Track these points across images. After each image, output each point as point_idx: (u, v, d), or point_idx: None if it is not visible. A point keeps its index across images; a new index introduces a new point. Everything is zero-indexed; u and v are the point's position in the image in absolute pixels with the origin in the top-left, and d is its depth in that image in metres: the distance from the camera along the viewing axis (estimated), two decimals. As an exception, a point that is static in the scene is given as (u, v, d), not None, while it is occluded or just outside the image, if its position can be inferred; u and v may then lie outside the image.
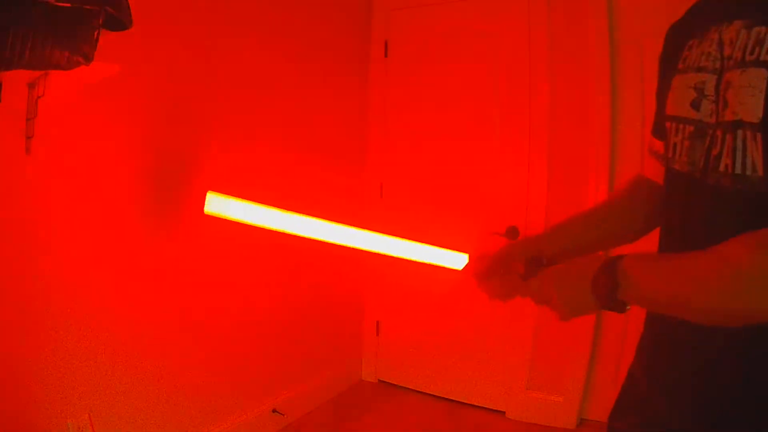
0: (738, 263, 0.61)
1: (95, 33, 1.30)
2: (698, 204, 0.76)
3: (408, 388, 2.97)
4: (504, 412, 2.69)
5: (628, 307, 0.72)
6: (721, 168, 0.69)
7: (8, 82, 1.38)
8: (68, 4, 1.19)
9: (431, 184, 2.82)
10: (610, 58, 2.37)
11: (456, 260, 0.99)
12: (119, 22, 1.33)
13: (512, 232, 2.57)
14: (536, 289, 0.85)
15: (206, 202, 0.94)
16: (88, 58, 1.31)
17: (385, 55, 2.92)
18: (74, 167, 1.66)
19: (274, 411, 2.45)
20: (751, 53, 0.65)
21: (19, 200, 1.54)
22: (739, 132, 0.66)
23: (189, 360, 2.07)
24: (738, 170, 0.67)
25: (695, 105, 0.75)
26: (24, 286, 1.57)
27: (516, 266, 0.90)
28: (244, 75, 2.21)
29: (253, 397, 2.39)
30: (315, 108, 2.61)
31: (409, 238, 1.01)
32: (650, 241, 0.92)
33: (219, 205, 0.94)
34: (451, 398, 2.83)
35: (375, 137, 2.98)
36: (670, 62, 0.85)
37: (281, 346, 2.52)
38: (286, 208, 0.96)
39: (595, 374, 2.52)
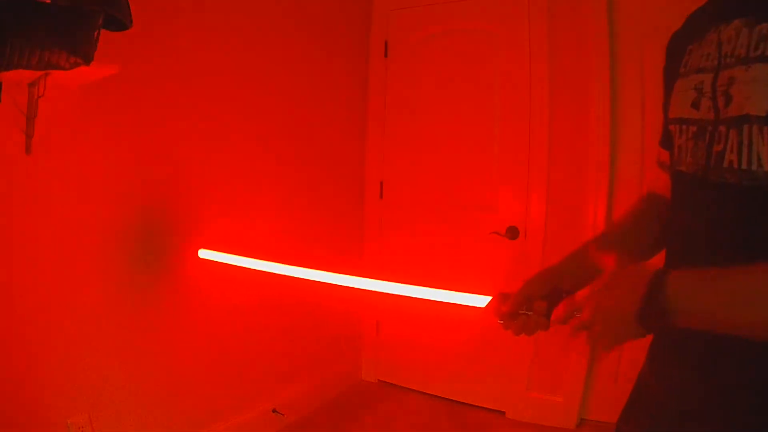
0: None
1: (95, 33, 1.30)
2: (703, 202, 0.76)
3: (408, 388, 2.96)
4: (504, 412, 2.69)
5: None
6: (726, 164, 0.69)
7: (8, 82, 1.38)
8: (68, 4, 1.19)
9: (431, 185, 2.82)
10: (610, 58, 2.37)
11: (478, 301, 0.99)
12: (119, 22, 1.33)
13: (512, 232, 2.57)
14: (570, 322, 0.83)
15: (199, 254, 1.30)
16: (88, 58, 1.31)
17: (385, 55, 2.92)
18: (74, 167, 1.66)
19: (274, 411, 2.45)
20: (756, 49, 0.66)
21: (19, 200, 1.54)
22: (745, 127, 0.66)
23: (189, 360, 2.07)
24: (744, 165, 0.67)
25: (696, 105, 0.76)
26: (24, 286, 1.57)
27: (539, 305, 0.90)
28: (243, 73, 2.21)
29: (253, 397, 2.39)
30: (315, 108, 2.61)
31: (430, 281, 1.07)
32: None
33: (210, 256, 1.30)
34: (451, 398, 2.83)
35: (375, 137, 2.98)
36: (672, 70, 0.85)
37: (281, 346, 2.52)
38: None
39: (595, 374, 2.52)
